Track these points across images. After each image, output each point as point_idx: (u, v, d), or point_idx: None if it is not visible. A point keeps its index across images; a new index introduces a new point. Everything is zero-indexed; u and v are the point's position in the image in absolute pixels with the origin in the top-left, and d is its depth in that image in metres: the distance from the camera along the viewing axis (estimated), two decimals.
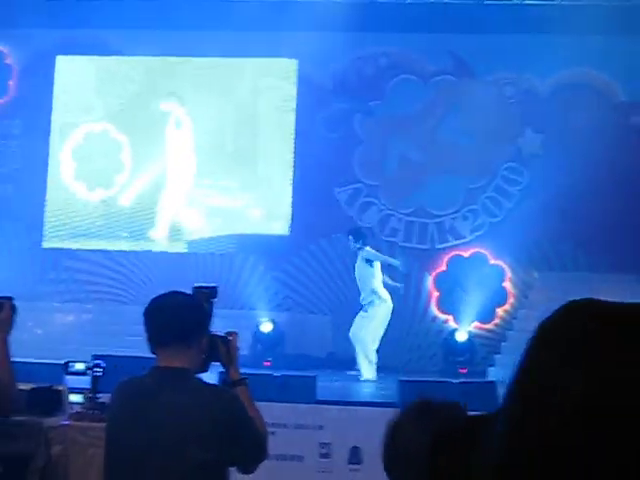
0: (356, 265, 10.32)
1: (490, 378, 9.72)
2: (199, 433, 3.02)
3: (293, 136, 12.37)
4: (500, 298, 11.75)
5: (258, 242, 12.16)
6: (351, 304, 10.52)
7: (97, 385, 4.44)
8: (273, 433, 5.00)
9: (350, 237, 10.38)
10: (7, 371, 3.83)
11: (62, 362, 5.30)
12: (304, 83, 12.37)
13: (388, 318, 10.21)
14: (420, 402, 2.11)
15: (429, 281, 11.93)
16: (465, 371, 10.78)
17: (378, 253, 10.42)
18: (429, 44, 12.07)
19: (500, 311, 11.75)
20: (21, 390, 4.08)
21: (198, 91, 12.58)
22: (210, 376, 3.45)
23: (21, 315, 3.99)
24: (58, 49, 12.71)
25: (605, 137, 11.42)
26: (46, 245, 12.58)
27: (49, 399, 4.51)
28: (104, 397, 4.24)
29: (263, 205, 12.42)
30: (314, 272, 11.22)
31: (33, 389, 4.48)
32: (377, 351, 10.18)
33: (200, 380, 3.18)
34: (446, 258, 11.97)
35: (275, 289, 11.97)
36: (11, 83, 12.94)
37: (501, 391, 6.71)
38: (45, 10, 11.94)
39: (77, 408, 4.50)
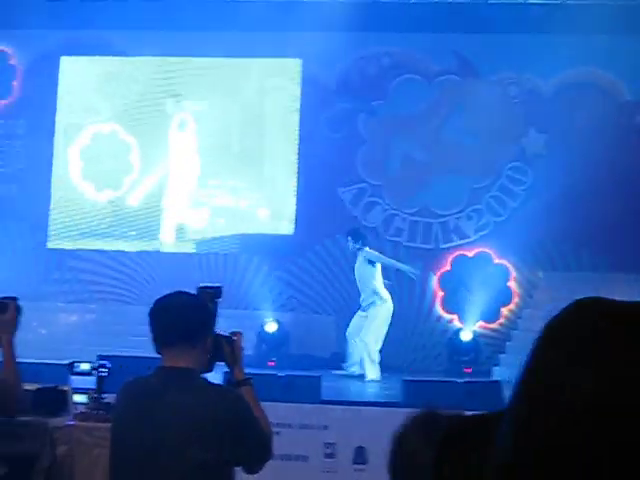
0: (356, 266, 10.32)
1: (495, 378, 9.72)
2: (204, 433, 3.02)
3: (297, 136, 12.37)
4: (505, 298, 11.74)
5: (262, 242, 12.16)
6: (355, 304, 10.51)
7: (102, 385, 4.44)
8: (278, 433, 5.01)
9: (349, 238, 10.37)
10: (13, 372, 3.83)
11: (67, 362, 5.30)
12: (308, 83, 12.37)
13: (390, 318, 10.21)
14: (425, 412, 2.10)
15: (434, 281, 11.92)
16: (470, 371, 10.77)
17: (380, 255, 10.41)
18: (433, 44, 12.06)
19: (505, 311, 11.74)
20: (26, 390, 4.08)
21: (203, 91, 12.59)
22: (215, 376, 3.45)
23: (25, 315, 4.00)
24: (62, 50, 12.72)
25: (609, 137, 11.41)
26: (50, 245, 12.59)
27: (54, 399, 4.52)
28: (109, 397, 4.25)
29: (267, 205, 12.42)
30: (318, 272, 11.22)
31: (38, 389, 4.49)
32: (380, 351, 10.18)
33: (205, 380, 3.18)
34: (450, 258, 11.97)
35: (279, 289, 11.97)
36: (15, 84, 12.95)
37: (506, 391, 6.71)
38: (49, 11, 11.96)
39: (81, 408, 4.50)
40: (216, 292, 3.52)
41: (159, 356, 3.21)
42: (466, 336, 11.29)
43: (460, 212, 12.07)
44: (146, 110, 12.67)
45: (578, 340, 0.96)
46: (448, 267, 11.95)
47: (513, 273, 11.81)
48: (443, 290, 11.89)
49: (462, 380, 8.25)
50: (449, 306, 11.81)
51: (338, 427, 6.72)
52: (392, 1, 11.82)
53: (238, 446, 3.08)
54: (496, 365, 10.86)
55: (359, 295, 10.31)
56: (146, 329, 3.21)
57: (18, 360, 3.88)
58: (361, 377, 9.98)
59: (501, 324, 11.69)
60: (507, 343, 11.28)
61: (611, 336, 0.95)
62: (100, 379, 4.47)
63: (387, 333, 10.35)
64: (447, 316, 11.82)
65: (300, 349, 10.89)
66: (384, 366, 10.28)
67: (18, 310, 3.93)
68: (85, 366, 4.76)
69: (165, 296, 3.24)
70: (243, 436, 3.09)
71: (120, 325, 11.31)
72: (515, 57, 11.83)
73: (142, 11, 11.75)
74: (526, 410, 0.96)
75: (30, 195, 12.44)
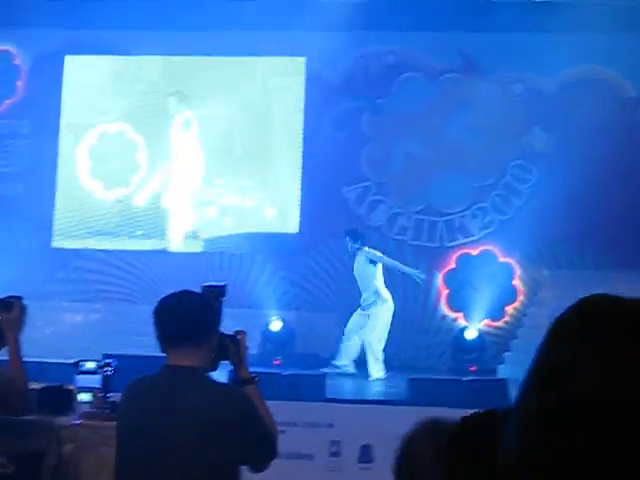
0: (355, 265, 10.32)
1: (500, 376, 9.73)
2: (210, 432, 3.03)
3: (301, 135, 12.38)
4: (510, 296, 11.73)
5: (267, 241, 12.17)
6: (360, 303, 10.52)
7: (108, 384, 4.45)
8: (283, 432, 5.01)
9: (347, 238, 10.36)
10: (19, 370, 3.85)
11: (72, 361, 5.31)
12: (311, 82, 12.37)
13: (391, 317, 10.23)
14: (432, 419, 2.10)
15: (438, 279, 11.92)
16: (475, 369, 10.78)
17: (382, 255, 10.39)
18: (436, 42, 12.05)
19: (510, 309, 11.74)
20: (31, 389, 4.09)
21: (208, 90, 12.60)
22: (220, 375, 3.45)
23: (30, 314, 4.01)
24: (66, 49, 12.73)
25: (613, 134, 11.39)
26: (55, 244, 12.61)
27: (59, 398, 4.53)
28: (115, 396, 4.26)
29: (272, 204, 12.42)
30: (323, 271, 11.23)
31: (44, 388, 4.50)
32: (384, 350, 10.19)
33: (211, 379, 3.19)
34: (455, 256, 11.96)
35: (284, 288, 11.97)
36: (19, 83, 12.97)
37: (511, 389, 6.72)
38: (53, 10, 11.96)
39: (85, 407, 4.51)
40: (220, 291, 3.52)
41: (164, 355, 3.22)
42: (471, 334, 11.29)
43: (465, 210, 12.06)
44: (151, 109, 12.68)
45: (581, 338, 0.96)
46: (453, 265, 11.95)
47: (518, 271, 11.80)
48: (448, 288, 11.89)
49: (467, 378, 8.25)
50: (454, 304, 11.81)
51: (343, 425, 6.71)
52: None
53: (243, 445, 3.08)
54: (501, 363, 10.87)
55: (361, 294, 10.32)
56: (152, 328, 3.22)
57: (24, 359, 3.90)
58: (354, 376, 9.99)
59: (506, 322, 11.68)
60: (512, 341, 11.29)
61: (614, 334, 0.95)
62: (106, 378, 4.48)
63: (391, 331, 10.36)
64: (452, 314, 11.82)
65: (305, 348, 10.89)
66: (389, 364, 10.29)
67: (23, 309, 3.94)
68: (91, 365, 4.77)
69: (170, 295, 3.25)
70: (248, 435, 3.09)
71: (125, 324, 11.32)
72: (518, 55, 11.81)
73: (145, 10, 11.75)
74: (532, 410, 0.97)
75: (35, 194, 12.46)
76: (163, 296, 3.27)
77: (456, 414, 1.27)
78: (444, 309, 11.88)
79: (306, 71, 12.44)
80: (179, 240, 12.50)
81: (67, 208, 12.71)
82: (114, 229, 12.60)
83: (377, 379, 9.95)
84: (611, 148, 11.27)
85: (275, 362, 10.78)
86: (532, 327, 10.85)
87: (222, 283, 3.66)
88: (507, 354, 11.07)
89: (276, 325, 11.40)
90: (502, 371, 10.42)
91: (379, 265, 10.24)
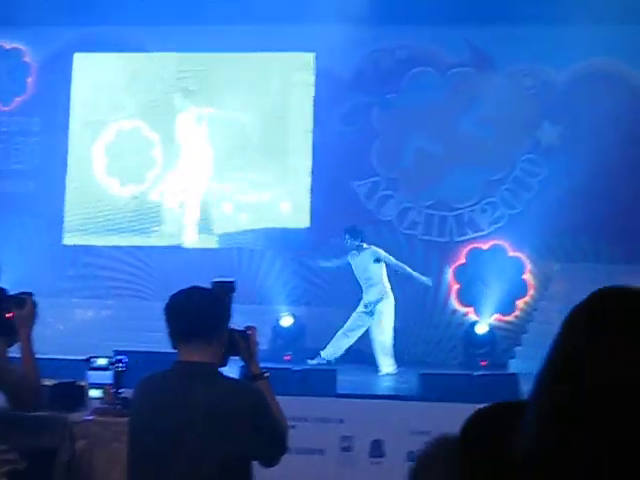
0: (356, 262, 10.26)
1: (511, 370, 9.71)
2: (221, 427, 3.03)
3: (312, 130, 12.38)
4: (520, 290, 11.71)
5: (277, 236, 12.18)
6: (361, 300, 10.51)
7: (120, 380, 4.47)
8: (294, 427, 5.02)
9: (347, 236, 10.30)
10: (32, 367, 3.86)
11: (84, 358, 5.33)
12: (322, 77, 12.36)
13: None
14: (444, 439, 2.10)
15: (449, 274, 11.91)
16: (486, 364, 10.77)
17: (388, 255, 10.35)
18: (446, 36, 12.03)
19: (520, 303, 11.72)
20: (44, 386, 4.11)
21: (221, 87, 12.61)
22: (231, 370, 3.46)
23: (42, 311, 4.02)
24: (76, 46, 12.76)
25: (624, 127, 11.36)
26: (67, 241, 12.64)
27: (71, 395, 4.55)
28: (126, 392, 4.27)
29: (282, 200, 12.42)
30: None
31: (56, 385, 4.51)
32: (394, 345, 10.20)
33: (222, 374, 3.20)
34: (465, 251, 11.95)
35: (294, 283, 11.98)
36: (29, 80, 13.01)
37: (523, 383, 6.71)
38: (62, 8, 11.98)
39: (97, 403, 4.53)
40: (230, 286, 3.53)
41: (175, 351, 3.22)
42: (482, 329, 11.28)
43: (475, 205, 12.05)
44: (166, 106, 12.68)
45: (592, 332, 0.96)
46: (463, 260, 11.93)
47: (528, 265, 11.78)
48: (458, 283, 11.88)
49: (478, 373, 8.24)
50: (464, 299, 11.80)
51: (354, 420, 6.72)
52: None
53: (254, 440, 3.09)
54: (512, 358, 10.86)
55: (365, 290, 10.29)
56: (163, 324, 3.23)
57: (35, 356, 3.91)
58: (365, 371, 9.96)
59: (517, 317, 11.66)
60: (523, 335, 11.28)
61: (624, 328, 0.95)
62: (117, 374, 4.49)
63: (402, 327, 10.39)
64: (462, 309, 11.81)
65: (315, 343, 10.88)
66: (400, 359, 10.29)
67: (34, 305, 3.96)
68: (102, 361, 4.79)
69: (180, 291, 3.25)
70: (259, 430, 3.10)
71: (137, 321, 11.35)
72: (529, 48, 11.77)
73: (154, 7, 11.75)
74: (548, 398, 0.97)
75: (46, 192, 12.50)
76: (173, 292, 3.28)
77: (467, 409, 1.27)
78: (454, 304, 11.87)
79: (316, 66, 12.43)
80: (193, 236, 12.50)
81: (80, 205, 12.71)
82: (129, 225, 12.61)
83: (388, 374, 9.95)
84: (622, 141, 11.23)
85: (285, 357, 10.79)
86: (543, 321, 10.84)
87: (231, 279, 3.66)
88: (518, 348, 11.06)
89: (286, 321, 11.41)
90: (513, 365, 10.40)
91: (383, 263, 10.25)
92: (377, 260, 10.18)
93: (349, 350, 10.70)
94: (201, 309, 3.17)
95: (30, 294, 4.00)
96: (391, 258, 10.30)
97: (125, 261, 12.49)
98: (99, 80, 12.83)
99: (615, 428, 0.92)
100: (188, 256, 12.16)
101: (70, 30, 12.52)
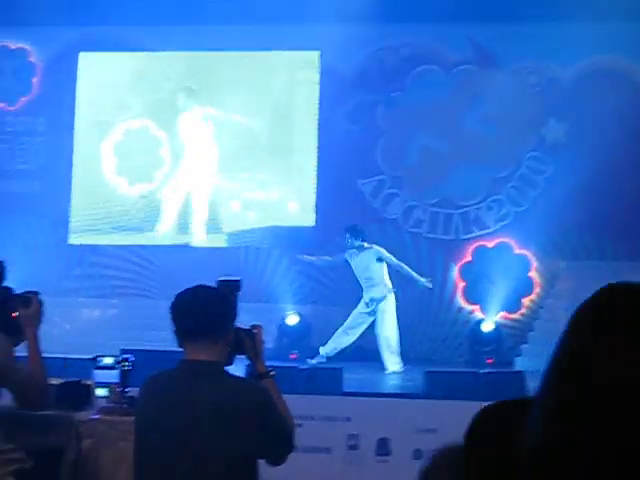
0: (357, 262, 10.21)
1: (517, 368, 9.70)
2: (227, 426, 3.03)
3: (317, 128, 12.37)
4: (526, 288, 11.70)
5: (283, 234, 12.18)
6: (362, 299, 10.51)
7: (126, 379, 4.47)
8: (300, 425, 5.02)
9: (347, 235, 10.24)
10: (39, 366, 3.87)
11: (90, 357, 5.34)
12: (326, 75, 12.36)
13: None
14: (449, 450, 2.09)
15: (455, 272, 11.90)
16: (492, 361, 10.76)
17: (390, 255, 10.32)
18: (451, 34, 12.02)
19: (526, 301, 11.70)
20: (50, 385, 4.12)
21: (227, 86, 12.61)
22: (237, 369, 3.46)
23: (48, 311, 4.03)
24: (81, 46, 12.77)
25: (630, 124, 11.33)
26: (72, 241, 12.66)
27: (78, 394, 4.55)
28: (132, 391, 4.28)
29: (288, 198, 12.42)
30: (339, 264, 11.18)
31: (62, 384, 4.52)
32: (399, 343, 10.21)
33: (228, 373, 3.20)
34: (471, 249, 11.94)
35: (300, 281, 11.98)
36: (35, 80, 13.03)
37: (529, 381, 6.70)
38: (67, 7, 12.00)
39: (103, 402, 4.53)
40: (236, 285, 3.53)
41: (182, 350, 3.23)
42: (488, 327, 11.27)
43: (480, 202, 12.03)
44: (172, 105, 12.69)
45: (598, 330, 0.96)
46: (469, 258, 11.92)
47: (534, 263, 11.77)
48: (464, 281, 11.87)
49: (484, 371, 8.23)
50: (470, 297, 11.79)
51: (361, 419, 6.72)
52: None
53: (261, 438, 3.09)
54: (518, 355, 10.85)
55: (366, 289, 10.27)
56: (169, 323, 3.23)
57: (42, 355, 3.92)
58: (371, 370, 9.95)
59: (523, 314, 11.65)
60: (529, 333, 11.26)
61: (630, 325, 0.95)
62: (124, 373, 4.50)
63: (408, 324, 10.38)
64: (468, 307, 11.80)
65: (321, 342, 10.87)
66: (406, 357, 10.29)
67: (41, 304, 3.97)
68: (109, 360, 4.79)
69: (186, 290, 3.26)
70: (265, 428, 3.10)
71: (143, 319, 11.37)
72: (534, 46, 11.75)
73: (159, 6, 11.77)
74: (554, 396, 0.97)
75: (51, 191, 12.51)
76: (179, 291, 3.28)
77: (473, 407, 1.27)
78: (460, 302, 11.86)
79: (321, 65, 12.43)
80: (200, 235, 12.50)
81: (86, 204, 12.72)
82: (137, 224, 12.62)
83: (394, 372, 9.94)
84: (627, 138, 11.21)
85: (291, 356, 10.79)
86: (549, 319, 10.83)
87: (237, 277, 3.66)
88: (524, 346, 11.05)
89: (292, 319, 11.41)
90: (519, 363, 10.39)
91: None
92: (379, 259, 10.16)
93: (355, 348, 10.70)
94: (207, 308, 3.17)
95: (36, 293, 4.01)
96: (392, 258, 10.26)
97: (131, 260, 12.50)
98: (105, 79, 12.84)
99: (622, 426, 0.91)
100: (194, 255, 12.17)
101: (75, 30, 12.53)
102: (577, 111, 11.70)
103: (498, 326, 11.32)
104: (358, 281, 10.44)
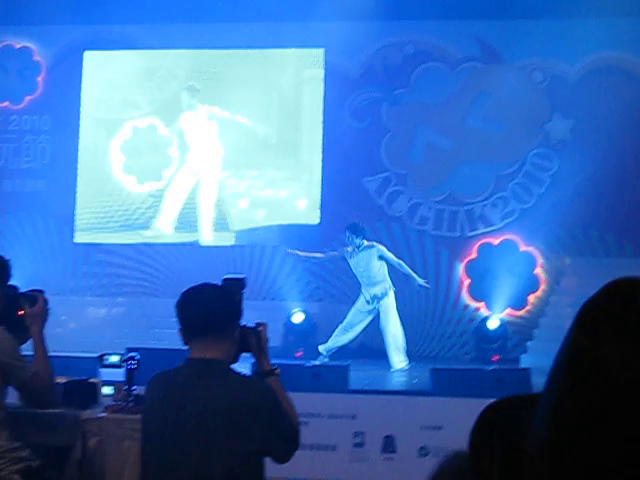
0: (356, 260, 10.18)
1: (523, 365, 9.70)
2: (233, 423, 3.04)
3: (322, 126, 12.37)
4: (532, 285, 11.69)
5: (289, 232, 12.18)
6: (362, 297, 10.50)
7: (132, 377, 4.48)
8: (306, 423, 5.02)
9: (349, 233, 10.19)
10: (45, 364, 3.88)
11: (96, 355, 5.35)
12: (331, 72, 12.36)
13: None
14: (457, 457, 2.09)
15: (460, 269, 11.90)
16: (498, 358, 10.76)
17: (389, 253, 10.30)
18: (455, 31, 12.01)
19: (532, 298, 11.69)
20: (57, 383, 4.13)
21: (233, 84, 12.61)
22: (243, 366, 3.47)
23: (54, 309, 4.04)
24: (86, 44, 12.79)
25: (635, 121, 11.31)
26: (78, 239, 12.68)
27: (84, 392, 4.56)
28: (138, 389, 4.28)
29: (293, 196, 12.42)
30: (345, 262, 11.19)
31: (68, 382, 4.53)
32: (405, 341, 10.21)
33: (234, 371, 3.20)
34: (476, 246, 11.93)
35: (306, 279, 11.99)
36: (40, 79, 13.04)
37: (535, 378, 6.69)
38: (72, 6, 12.02)
39: (109, 400, 4.54)
40: (241, 283, 3.54)
41: (187, 348, 3.23)
42: (493, 324, 11.26)
43: (486, 199, 12.02)
44: (180, 103, 12.70)
45: (606, 322, 0.96)
46: (474, 255, 11.91)
47: (540, 260, 11.75)
48: (470, 278, 11.86)
49: (490, 368, 8.23)
50: (476, 294, 11.78)
51: (366, 416, 6.72)
52: None
53: (266, 436, 3.09)
54: (524, 352, 10.84)
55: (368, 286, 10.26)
56: (174, 321, 3.23)
57: (48, 353, 3.92)
58: (377, 367, 9.95)
59: (528, 311, 11.64)
60: (535, 330, 11.25)
61: (638, 317, 0.94)
62: (130, 371, 4.50)
63: (413, 322, 10.38)
64: (474, 304, 11.79)
65: (327, 339, 10.89)
66: (411, 355, 10.29)
67: (45, 302, 3.98)
68: (115, 358, 4.80)
69: (192, 288, 3.26)
70: (271, 426, 3.10)
71: (149, 318, 11.39)
72: (539, 42, 11.73)
73: (164, 4, 11.78)
74: (560, 393, 0.97)
75: (57, 190, 12.53)
76: (184, 289, 3.28)
77: (479, 404, 1.27)
78: (466, 299, 11.85)
79: (325, 62, 12.42)
80: (209, 233, 12.50)
81: (93, 202, 12.72)
82: (146, 222, 12.62)
83: (400, 370, 9.94)
84: (633, 135, 11.19)
85: (297, 354, 10.80)
86: (554, 316, 10.82)
87: (242, 275, 3.67)
88: (530, 343, 11.03)
89: (298, 317, 11.42)
90: (525, 360, 10.39)
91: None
92: (380, 257, 10.15)
93: (360, 346, 10.72)
94: (212, 306, 3.18)
95: (41, 291, 4.02)
96: (392, 256, 10.24)
97: (137, 258, 12.51)
98: (110, 78, 12.85)
99: (629, 423, 0.91)
100: (199, 253, 12.18)
101: (79, 28, 12.56)
102: (582, 108, 11.68)
103: (504, 323, 11.31)
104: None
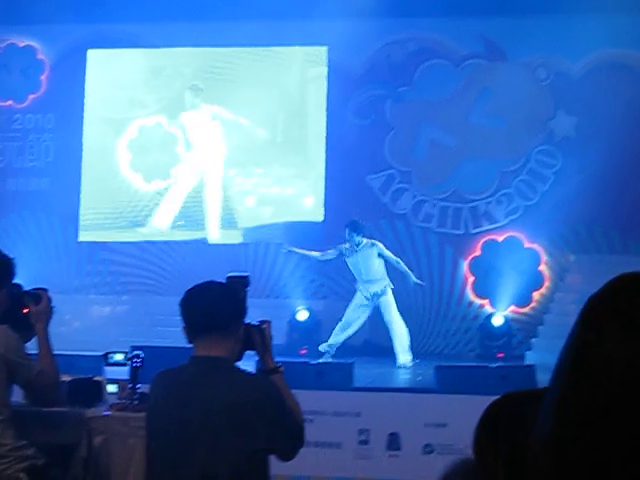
0: (356, 258, 10.17)
1: (528, 362, 9.69)
2: (238, 421, 3.04)
3: (325, 124, 12.37)
4: (536, 282, 11.68)
5: (294, 230, 12.17)
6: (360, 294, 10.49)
7: (137, 375, 4.48)
8: (311, 421, 5.03)
9: (349, 230, 10.17)
10: (50, 362, 3.88)
11: (101, 354, 5.35)
12: (334, 71, 12.35)
13: None
14: (464, 462, 2.09)
15: (464, 266, 11.89)
16: (502, 356, 10.75)
17: (387, 251, 10.29)
18: (459, 28, 11.99)
19: (536, 295, 11.68)
20: (62, 381, 4.13)
21: (239, 82, 12.61)
22: (248, 364, 3.47)
23: (59, 308, 4.05)
24: (89, 43, 12.80)
25: (639, 118, 11.28)
26: (82, 238, 12.69)
27: (89, 390, 4.56)
28: (143, 387, 4.29)
29: (298, 194, 12.42)
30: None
31: (73, 380, 4.53)
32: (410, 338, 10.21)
33: (239, 368, 3.20)
34: (481, 243, 11.92)
35: (311, 277, 11.98)
36: (43, 78, 13.06)
37: (540, 375, 6.69)
38: (75, 5, 12.02)
39: (114, 399, 4.54)
40: (245, 281, 3.54)
41: (192, 346, 3.23)
42: (498, 321, 11.25)
43: (490, 197, 12.01)
44: (179, 101, 12.71)
45: (610, 317, 0.96)
46: (478, 252, 11.91)
47: (544, 257, 11.74)
48: (474, 275, 11.85)
49: (495, 365, 8.23)
50: (480, 291, 11.78)
51: (371, 414, 6.72)
52: None
53: (271, 434, 3.09)
54: (529, 349, 10.84)
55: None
56: (178, 319, 3.24)
57: (53, 352, 3.93)
58: (382, 364, 9.94)
59: (533, 308, 11.63)
60: (539, 327, 11.25)
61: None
62: (134, 369, 4.51)
63: (418, 319, 10.37)
64: (478, 301, 11.78)
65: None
66: (416, 352, 10.29)
67: (50, 301, 3.98)
68: (119, 357, 4.80)
69: (196, 286, 3.26)
70: (276, 424, 3.10)
71: (153, 316, 11.40)
72: (543, 39, 11.71)
73: (167, 2, 11.78)
74: (565, 388, 0.97)
75: (61, 188, 12.54)
76: (188, 287, 3.28)
77: (484, 401, 1.27)
78: (470, 296, 11.85)
79: (328, 60, 12.42)
80: (216, 231, 12.50)
81: (97, 201, 12.73)
82: (150, 220, 12.61)
83: (404, 367, 9.94)
84: (637, 131, 11.16)
85: (301, 352, 10.80)
86: (559, 313, 10.81)
87: (246, 273, 3.67)
88: (534, 340, 11.03)
89: (302, 315, 11.42)
90: (530, 357, 10.38)
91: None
92: (379, 255, 10.15)
93: (365, 343, 10.72)
94: (217, 304, 3.18)
95: (45, 290, 4.03)
96: (390, 254, 10.23)
97: (141, 257, 12.52)
98: (114, 76, 12.86)
99: (632, 420, 0.91)
100: (204, 251, 12.19)
101: (83, 27, 12.56)
102: (586, 104, 11.66)
103: (508, 320, 11.31)
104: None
